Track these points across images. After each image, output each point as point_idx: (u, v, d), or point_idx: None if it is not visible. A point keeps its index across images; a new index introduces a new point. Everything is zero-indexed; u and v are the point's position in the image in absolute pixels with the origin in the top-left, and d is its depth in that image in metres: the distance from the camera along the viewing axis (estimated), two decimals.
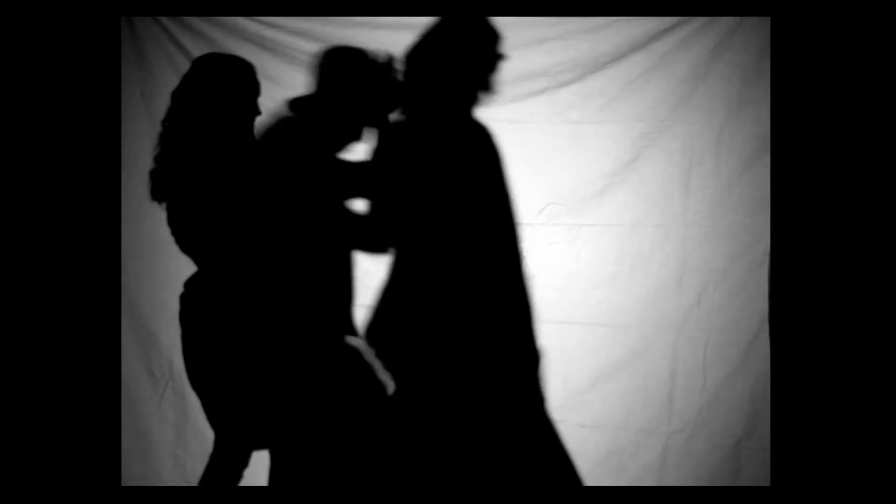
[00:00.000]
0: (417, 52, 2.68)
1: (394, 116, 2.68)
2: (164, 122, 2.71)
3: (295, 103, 2.72)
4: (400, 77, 2.68)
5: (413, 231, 2.61)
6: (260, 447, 2.75)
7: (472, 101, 2.69)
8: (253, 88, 2.71)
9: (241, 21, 3.71)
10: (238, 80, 2.68)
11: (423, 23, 3.70)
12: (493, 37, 2.68)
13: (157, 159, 2.68)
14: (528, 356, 2.64)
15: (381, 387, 2.60)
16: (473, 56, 2.66)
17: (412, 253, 2.63)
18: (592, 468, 3.70)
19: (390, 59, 2.70)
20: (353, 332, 2.72)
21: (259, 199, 2.61)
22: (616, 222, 3.73)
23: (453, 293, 2.56)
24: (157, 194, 2.69)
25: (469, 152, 2.60)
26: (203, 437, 3.68)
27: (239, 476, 2.74)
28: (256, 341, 2.60)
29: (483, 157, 2.63)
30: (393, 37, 3.69)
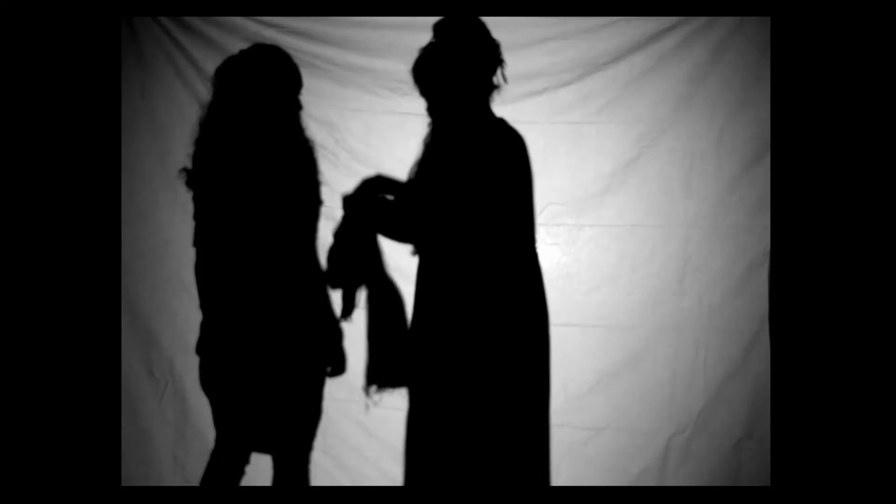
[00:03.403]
0: (426, 55, 2.68)
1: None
2: (207, 107, 2.70)
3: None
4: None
5: (428, 229, 2.62)
6: (263, 450, 2.75)
7: (481, 97, 2.68)
8: (295, 83, 2.70)
9: (240, 21, 3.71)
10: (280, 73, 2.67)
11: (422, 22, 3.71)
12: (489, 37, 2.68)
13: (196, 143, 2.67)
14: (534, 357, 2.64)
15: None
16: (478, 54, 2.65)
17: (427, 251, 2.64)
18: (594, 469, 3.71)
19: None
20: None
21: (293, 196, 2.62)
22: (617, 223, 3.73)
23: (463, 291, 2.56)
24: (189, 180, 2.68)
25: (481, 150, 2.59)
26: (203, 437, 3.69)
27: (241, 473, 2.74)
28: (267, 343, 2.61)
29: (498, 154, 2.62)
30: (393, 36, 3.72)
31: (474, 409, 2.54)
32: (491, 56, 2.66)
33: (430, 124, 2.71)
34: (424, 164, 2.67)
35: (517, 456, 2.58)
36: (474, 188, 2.54)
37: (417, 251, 2.69)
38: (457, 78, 2.63)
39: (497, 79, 2.68)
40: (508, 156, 2.59)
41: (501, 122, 2.67)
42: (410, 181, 2.71)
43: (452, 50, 2.63)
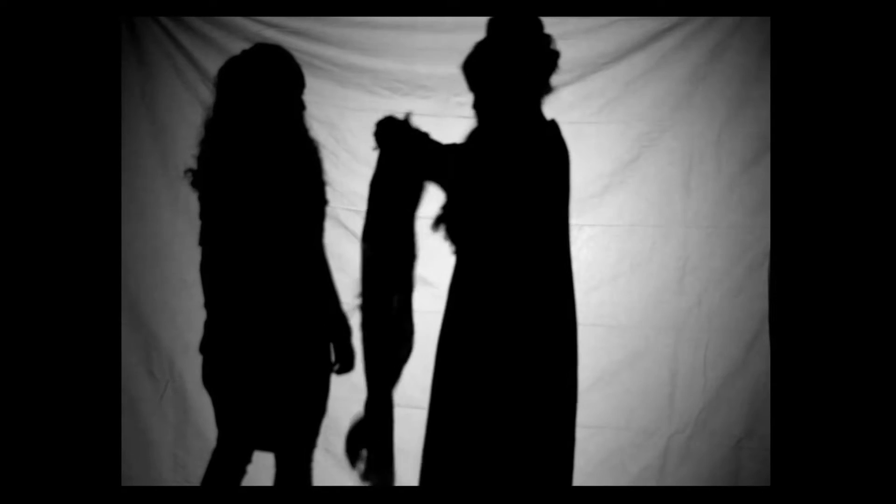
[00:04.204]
0: (472, 63, 2.64)
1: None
2: (212, 107, 2.70)
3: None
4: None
5: (470, 229, 2.59)
6: (266, 448, 2.76)
7: (538, 92, 2.67)
8: (298, 83, 2.71)
9: (241, 21, 3.71)
10: (283, 73, 2.67)
11: (422, 22, 3.70)
12: (544, 34, 2.66)
13: (201, 144, 2.68)
14: (565, 359, 2.62)
15: None
16: (541, 55, 2.63)
17: (473, 254, 2.60)
18: (593, 469, 3.71)
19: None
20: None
21: (295, 195, 2.62)
22: (616, 222, 3.73)
23: (504, 291, 2.53)
24: (195, 180, 2.68)
25: (528, 151, 2.57)
26: (203, 437, 3.69)
27: (243, 472, 2.75)
28: (272, 341, 2.61)
29: (547, 157, 2.60)
30: (393, 36, 3.72)
31: (506, 409, 2.52)
32: (551, 59, 2.63)
33: (478, 119, 2.65)
34: (470, 158, 2.61)
35: (547, 458, 2.56)
36: (526, 189, 2.51)
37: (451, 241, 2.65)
38: (519, 78, 2.59)
39: (553, 82, 2.65)
40: (557, 160, 2.58)
41: (553, 125, 2.64)
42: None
43: (516, 49, 2.58)
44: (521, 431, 2.51)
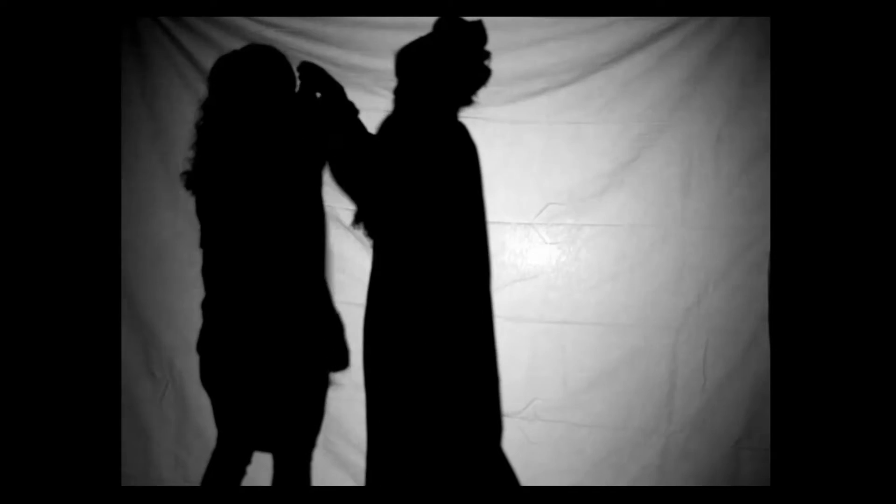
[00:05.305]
0: (407, 54, 2.75)
1: (378, 115, 2.81)
2: (201, 108, 2.71)
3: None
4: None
5: (390, 228, 2.66)
6: (265, 449, 2.76)
7: (459, 101, 2.76)
8: (290, 82, 2.71)
9: (241, 21, 3.72)
10: (274, 72, 2.67)
11: (422, 22, 3.71)
12: (480, 39, 2.72)
13: (193, 147, 2.68)
14: (484, 356, 2.68)
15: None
16: (459, 58, 2.70)
17: (387, 249, 2.68)
18: (591, 468, 3.71)
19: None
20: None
21: (280, 192, 2.63)
22: (615, 222, 3.74)
23: (421, 292, 2.60)
24: (189, 183, 2.68)
25: (444, 153, 2.64)
26: (203, 437, 3.69)
27: (242, 472, 2.75)
28: (269, 341, 2.61)
29: (458, 157, 2.67)
30: (393, 37, 3.71)
31: (422, 403, 2.59)
32: (481, 74, 2.72)
33: (395, 108, 2.76)
34: (385, 155, 2.70)
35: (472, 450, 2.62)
36: (428, 186, 2.60)
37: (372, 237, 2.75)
38: (443, 84, 2.69)
39: (476, 97, 2.75)
40: (463, 161, 2.67)
41: (463, 127, 2.73)
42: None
43: (452, 57, 2.66)
44: (444, 422, 2.57)
